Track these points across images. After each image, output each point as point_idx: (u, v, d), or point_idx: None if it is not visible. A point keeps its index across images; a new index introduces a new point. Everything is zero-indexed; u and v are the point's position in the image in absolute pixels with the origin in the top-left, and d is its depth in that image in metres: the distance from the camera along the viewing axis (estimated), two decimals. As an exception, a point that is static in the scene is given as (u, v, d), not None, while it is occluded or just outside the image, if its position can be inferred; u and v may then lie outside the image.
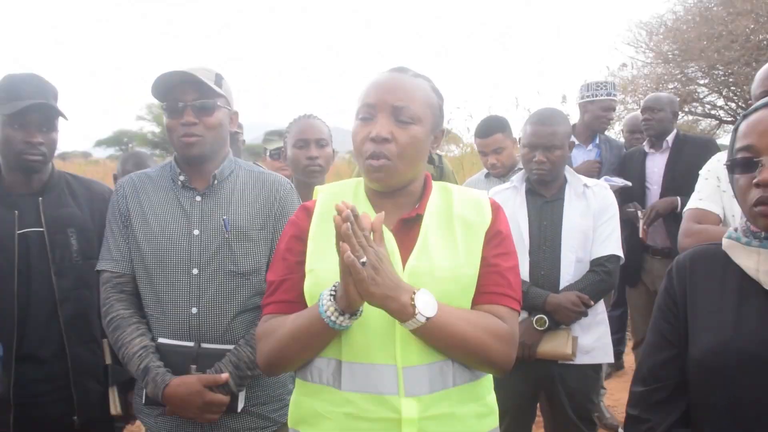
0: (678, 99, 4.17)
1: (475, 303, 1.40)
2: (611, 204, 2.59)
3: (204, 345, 1.86)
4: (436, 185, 1.51)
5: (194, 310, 1.86)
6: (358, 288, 1.20)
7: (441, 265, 1.36)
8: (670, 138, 3.87)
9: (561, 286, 2.51)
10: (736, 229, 1.31)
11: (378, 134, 1.34)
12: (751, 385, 1.18)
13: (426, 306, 1.26)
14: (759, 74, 2.23)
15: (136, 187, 1.97)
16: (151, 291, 1.89)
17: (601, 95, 4.07)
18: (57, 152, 2.24)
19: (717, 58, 9.00)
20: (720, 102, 10.67)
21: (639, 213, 3.72)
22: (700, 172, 2.36)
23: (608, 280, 2.51)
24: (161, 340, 1.87)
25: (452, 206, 1.46)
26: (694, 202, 2.28)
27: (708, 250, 1.36)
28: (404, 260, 1.37)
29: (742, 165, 1.25)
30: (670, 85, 10.74)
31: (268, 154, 3.63)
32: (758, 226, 1.23)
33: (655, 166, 3.88)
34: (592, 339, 2.55)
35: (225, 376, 1.80)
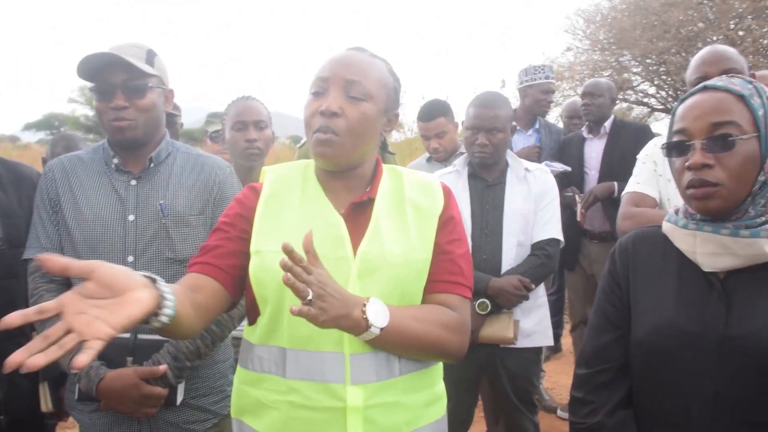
0: (615, 86, 4.24)
1: (428, 291, 1.39)
2: (552, 188, 2.62)
3: (141, 336, 1.78)
4: (386, 168, 1.48)
5: None
6: (311, 322, 1.16)
7: (393, 250, 1.34)
8: (607, 124, 3.95)
9: (502, 270, 2.53)
10: (676, 211, 1.34)
11: (328, 108, 1.30)
12: (691, 365, 1.21)
13: (377, 316, 1.24)
14: (693, 61, 2.29)
15: (66, 170, 1.86)
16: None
17: (540, 78, 4.13)
18: None
19: (650, 47, 9.29)
20: (652, 90, 11.05)
21: (577, 197, 3.80)
22: (638, 156, 2.41)
23: (549, 264, 2.55)
24: None
25: (403, 190, 1.44)
26: (632, 185, 2.33)
27: (649, 232, 1.39)
28: (355, 245, 1.34)
29: (676, 148, 1.27)
30: (605, 73, 11.02)
31: (208, 136, 3.52)
32: (692, 208, 1.27)
33: (593, 151, 3.96)
34: (532, 322, 2.58)
35: (163, 367, 1.73)
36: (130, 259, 1.78)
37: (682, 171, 1.26)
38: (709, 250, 1.23)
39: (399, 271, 1.33)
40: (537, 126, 4.16)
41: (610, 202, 3.67)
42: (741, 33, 8.88)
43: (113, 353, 1.74)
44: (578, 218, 3.75)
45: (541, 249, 2.54)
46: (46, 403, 2.08)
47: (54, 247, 1.81)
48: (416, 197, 1.43)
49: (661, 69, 10.27)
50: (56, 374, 2.10)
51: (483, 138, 2.55)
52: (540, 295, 2.64)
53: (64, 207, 1.81)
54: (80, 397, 1.76)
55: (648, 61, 10.21)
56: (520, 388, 2.60)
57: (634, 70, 10.81)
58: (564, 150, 4.09)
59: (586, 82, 4.28)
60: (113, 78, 1.76)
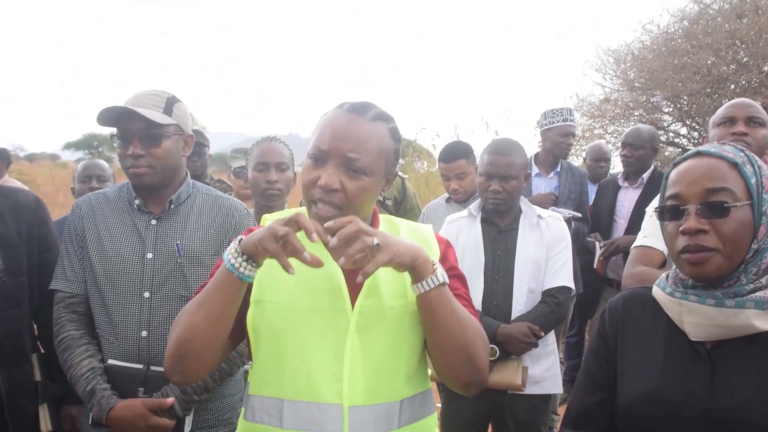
0: (657, 133, 4.20)
1: None
2: (564, 235, 2.65)
3: (153, 368, 1.86)
4: (382, 219, 1.51)
5: (144, 333, 1.87)
6: (386, 262, 1.22)
7: (391, 303, 1.36)
8: (646, 175, 3.92)
9: (512, 316, 2.55)
10: (667, 276, 1.35)
11: (326, 183, 1.31)
12: None
13: (443, 271, 1.30)
14: (721, 108, 2.33)
15: (93, 208, 1.97)
16: (103, 312, 1.90)
17: (558, 121, 4.16)
18: (24, 153, 2.19)
19: (681, 89, 9.24)
20: (684, 131, 10.93)
21: (597, 244, 3.79)
22: (646, 209, 2.41)
23: (559, 312, 2.56)
24: (111, 361, 1.87)
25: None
26: (640, 239, 2.31)
27: (640, 294, 1.40)
28: (353, 298, 1.36)
29: (670, 212, 1.29)
30: (636, 112, 10.96)
31: (232, 171, 3.63)
32: (685, 273, 1.28)
33: (626, 200, 3.94)
34: (541, 369, 2.59)
35: (170, 400, 1.80)
36: (146, 294, 1.88)
37: (675, 235, 1.27)
38: (695, 320, 1.24)
39: (397, 324, 1.36)
40: (558, 169, 4.18)
41: None
42: (773, 76, 8.81)
43: (126, 383, 1.85)
44: (595, 265, 3.74)
45: (551, 296, 2.56)
46: (45, 424, 2.14)
47: (78, 279, 1.93)
48: None
49: (692, 110, 10.18)
50: (56, 396, 2.17)
51: (497, 185, 2.60)
52: (550, 342, 2.65)
53: (89, 242, 1.93)
54: (93, 423, 1.84)
55: (679, 101, 10.14)
56: (528, 435, 2.60)
57: (666, 110, 10.73)
58: (598, 195, 4.07)
59: (627, 130, 4.22)
60: (131, 126, 1.86)
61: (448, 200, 3.67)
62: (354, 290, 1.36)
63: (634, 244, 2.34)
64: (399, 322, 1.36)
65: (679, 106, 10.48)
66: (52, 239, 2.21)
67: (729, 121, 2.24)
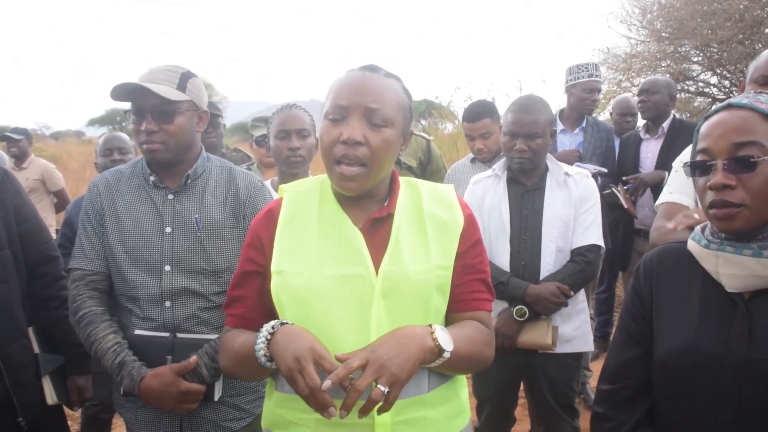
0: (675, 83, 4.12)
1: (461, 309, 1.44)
2: (593, 193, 2.59)
3: (179, 335, 1.89)
4: (403, 181, 1.49)
5: (168, 303, 1.89)
6: (402, 385, 1.23)
7: (415, 268, 1.35)
8: (665, 124, 3.85)
9: (541, 276, 2.52)
10: (702, 229, 1.32)
11: (351, 137, 1.29)
12: (712, 387, 1.20)
13: (446, 341, 1.29)
14: (758, 58, 2.11)
15: (110, 186, 1.98)
16: (126, 287, 1.91)
17: (583, 77, 4.06)
18: (50, 131, 2.15)
19: (711, 36, 8.93)
20: (714, 80, 10.60)
21: (616, 191, 3.71)
22: (673, 164, 2.32)
23: (589, 270, 2.52)
24: (138, 332, 1.89)
25: (421, 203, 1.45)
26: (665, 195, 2.23)
27: (674, 248, 1.37)
28: (375, 261, 1.35)
29: (699, 167, 1.26)
30: (663, 63, 10.66)
31: (254, 140, 3.61)
32: (715, 227, 1.25)
33: (649, 151, 3.87)
34: (572, 328, 2.56)
35: (193, 359, 1.83)
36: (167, 268, 1.89)
37: (704, 190, 1.24)
38: (732, 271, 1.22)
39: (422, 289, 1.35)
40: (584, 125, 4.08)
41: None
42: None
43: (154, 352, 1.87)
44: (626, 206, 3.66)
45: (580, 255, 2.52)
46: (51, 396, 2.16)
47: (98, 257, 1.94)
48: (436, 211, 1.44)
49: (723, 58, 9.86)
50: (58, 366, 2.20)
51: (522, 144, 2.54)
52: (580, 300, 2.61)
53: (107, 220, 1.94)
54: (124, 393, 1.87)
55: (708, 50, 9.82)
56: (561, 393, 2.59)
57: (694, 59, 10.41)
58: (621, 150, 4.01)
59: (644, 80, 4.17)
60: (144, 102, 1.85)
61: (473, 161, 3.61)
62: (375, 254, 1.36)
63: (659, 200, 2.27)
64: (424, 285, 1.35)
65: (708, 54, 10.16)
66: (27, 209, 2.20)
67: (766, 81, 2.05)
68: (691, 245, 1.31)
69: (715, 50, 9.81)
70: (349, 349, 1.28)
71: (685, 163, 1.30)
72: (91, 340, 1.87)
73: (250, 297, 1.45)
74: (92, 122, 34.27)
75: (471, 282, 1.44)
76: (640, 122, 4.59)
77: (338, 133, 1.32)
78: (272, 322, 1.30)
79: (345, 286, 1.33)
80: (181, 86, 1.90)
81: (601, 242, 2.55)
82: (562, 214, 2.54)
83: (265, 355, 1.28)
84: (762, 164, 1.17)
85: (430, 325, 1.30)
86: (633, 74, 10.71)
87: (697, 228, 1.33)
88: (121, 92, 1.86)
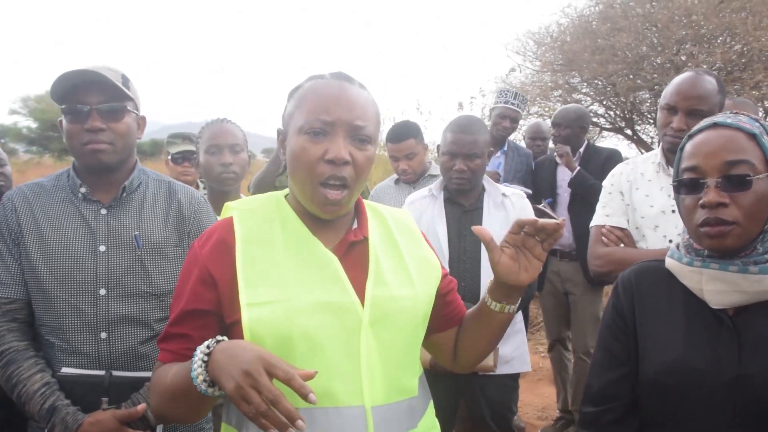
0: (586, 111, 4.28)
1: (451, 326, 1.45)
2: (529, 214, 2.62)
3: (116, 373, 1.67)
4: (366, 205, 1.41)
5: (104, 335, 1.67)
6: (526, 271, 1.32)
7: (401, 293, 1.28)
8: (581, 149, 3.99)
9: (481, 297, 2.50)
10: (678, 247, 1.33)
11: (340, 156, 1.19)
12: (705, 404, 1.21)
13: None
14: (671, 84, 2.20)
15: (29, 199, 1.74)
16: (51, 316, 1.68)
17: (500, 103, 4.20)
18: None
19: (600, 70, 9.53)
20: (601, 110, 11.33)
21: (543, 206, 3.81)
22: (603, 184, 2.37)
23: (529, 291, 2.54)
24: (65, 370, 1.66)
25: (390, 229, 1.38)
26: (601, 217, 2.28)
27: (651, 267, 1.38)
28: (356, 286, 1.24)
29: (688, 185, 1.27)
30: (555, 93, 11.28)
31: (170, 157, 3.39)
32: (703, 246, 1.26)
33: (566, 175, 4.00)
34: (510, 349, 2.57)
35: (141, 407, 1.63)
36: (102, 292, 1.69)
37: (693, 208, 1.25)
38: (717, 288, 1.23)
39: (408, 315, 1.27)
40: (505, 149, 4.19)
41: (577, 219, 3.70)
42: (683, 58, 9.23)
43: (86, 393, 1.65)
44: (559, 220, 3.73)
45: (520, 275, 2.53)
46: None
47: (15, 282, 1.70)
48: (402, 240, 1.38)
49: (608, 89, 10.56)
50: None
51: (461, 164, 2.53)
52: (517, 321, 2.62)
53: (27, 239, 1.70)
54: None
55: (596, 82, 10.49)
56: (499, 414, 2.58)
57: (583, 90, 11.08)
58: (537, 173, 4.12)
59: (555, 111, 4.29)
60: (88, 98, 1.67)
61: (396, 182, 3.59)
62: (354, 280, 1.25)
63: (594, 222, 2.29)
64: (409, 311, 1.28)
65: (595, 86, 10.85)
66: None
67: (671, 109, 2.15)
68: (671, 263, 1.32)
69: (603, 83, 10.49)
70: (340, 383, 1.17)
71: (672, 182, 1.31)
72: (14, 381, 1.62)
73: (192, 336, 1.23)
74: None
75: (450, 295, 1.45)
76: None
77: (322, 150, 1.20)
78: (206, 342, 1.10)
79: (328, 316, 1.20)
80: (125, 85, 1.74)
81: (538, 262, 2.58)
82: (500, 235, 2.51)
83: (204, 381, 1.06)
84: (755, 182, 1.20)
85: None
86: (529, 102, 11.25)
87: (673, 246, 1.35)
88: (61, 87, 1.66)
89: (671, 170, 2.16)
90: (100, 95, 1.67)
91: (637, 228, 2.20)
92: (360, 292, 1.24)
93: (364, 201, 1.42)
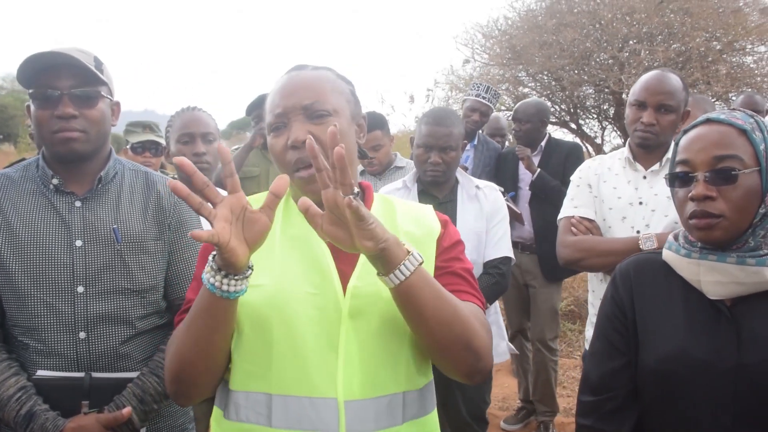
0: (546, 104, 4.35)
1: None
2: (502, 206, 2.66)
3: (96, 374, 1.60)
4: (377, 197, 1.39)
5: (82, 334, 1.59)
6: (357, 218, 1.03)
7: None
8: (543, 143, 4.05)
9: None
10: (675, 238, 1.37)
11: (296, 138, 1.21)
12: (706, 392, 1.24)
13: (415, 251, 1.11)
14: (638, 82, 2.30)
15: None
16: (25, 315, 1.59)
17: (471, 96, 4.22)
18: None
19: (547, 64, 9.73)
20: (547, 104, 11.57)
21: (506, 199, 3.86)
22: (571, 178, 2.43)
23: (502, 282, 2.57)
24: (41, 372, 1.57)
25: (396, 220, 1.34)
26: (569, 209, 2.34)
27: (648, 258, 1.42)
28: (344, 279, 1.23)
29: (680, 179, 1.31)
30: (503, 86, 11.44)
31: (130, 147, 3.26)
32: (693, 237, 1.31)
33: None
34: (485, 339, 2.59)
35: (126, 411, 1.56)
36: (80, 289, 1.60)
37: (684, 201, 1.30)
38: (715, 279, 1.27)
39: (393, 308, 1.19)
40: (475, 142, 4.21)
41: (540, 215, 3.77)
42: (626, 54, 9.53)
43: (65, 397, 1.57)
44: (518, 212, 3.78)
45: (494, 267, 2.56)
46: None
47: None
48: (411, 229, 1.33)
49: (554, 84, 10.79)
50: None
51: (436, 156, 2.54)
52: (492, 313, 2.66)
53: None
54: None
55: (542, 77, 10.70)
56: (474, 405, 2.61)
57: (530, 84, 11.28)
58: (499, 166, 4.16)
59: (516, 105, 4.34)
60: (59, 82, 1.57)
61: (362, 172, 3.58)
62: (345, 268, 1.24)
63: (562, 214, 2.36)
64: (393, 305, 1.19)
65: (540, 80, 11.06)
66: None
67: (640, 105, 2.24)
68: (668, 255, 1.36)
69: (547, 78, 10.71)
70: (315, 373, 1.17)
71: (666, 175, 1.35)
72: None
73: None
74: None
75: (445, 277, 1.28)
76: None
77: (284, 140, 1.25)
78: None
79: (310, 304, 1.20)
80: (98, 68, 1.64)
81: (511, 254, 2.62)
82: (474, 227, 2.57)
83: (216, 273, 1.08)
84: (741, 177, 1.25)
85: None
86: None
87: (670, 237, 1.38)
88: (30, 69, 1.56)
89: (638, 165, 2.26)
90: (71, 79, 1.57)
91: (604, 219, 2.28)
92: (346, 283, 1.23)
93: (380, 195, 1.41)
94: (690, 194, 1.27)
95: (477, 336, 1.19)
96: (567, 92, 10.15)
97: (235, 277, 1.09)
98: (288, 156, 1.24)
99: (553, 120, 11.73)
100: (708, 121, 1.31)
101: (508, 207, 3.80)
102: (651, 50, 9.14)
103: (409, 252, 1.10)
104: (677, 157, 1.33)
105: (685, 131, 1.34)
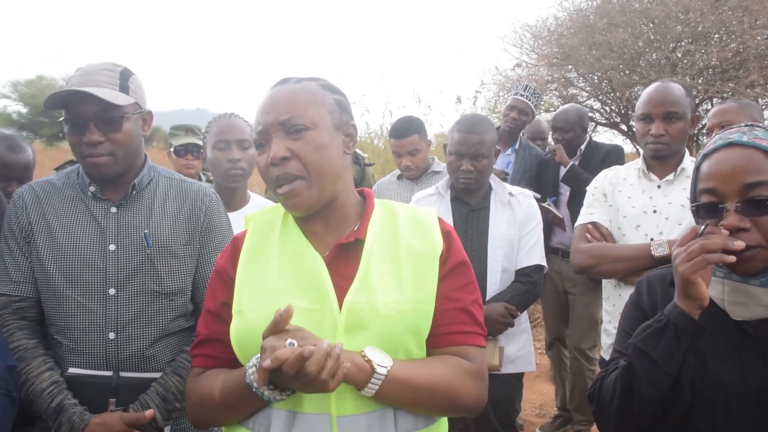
0: (585, 111, 4.28)
1: (438, 344, 1.27)
2: (536, 213, 2.63)
3: (123, 374, 1.66)
4: (378, 204, 1.37)
5: (112, 335, 1.66)
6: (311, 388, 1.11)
7: (385, 300, 1.21)
8: (583, 147, 4.00)
9: (487, 296, 2.51)
10: None
11: (274, 155, 1.23)
12: (726, 412, 1.22)
13: (380, 357, 1.16)
14: (642, 95, 2.31)
15: (39, 198, 1.73)
16: (60, 315, 1.67)
17: (512, 95, 4.18)
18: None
19: (596, 65, 9.53)
20: (597, 105, 11.33)
21: (548, 204, 3.81)
22: (588, 188, 2.46)
23: (534, 291, 2.55)
24: (73, 370, 1.65)
25: (398, 230, 1.31)
26: (586, 216, 2.37)
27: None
28: (341, 294, 1.21)
29: (707, 209, 1.26)
30: (551, 87, 11.26)
31: (173, 149, 3.36)
32: (729, 270, 1.25)
33: None
34: (516, 348, 2.58)
35: (149, 413, 1.62)
36: (112, 291, 1.68)
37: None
38: (739, 300, 1.24)
39: (390, 324, 1.20)
40: (516, 147, 4.16)
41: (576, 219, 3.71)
42: (679, 55, 9.26)
43: (94, 394, 1.64)
44: (560, 216, 3.74)
45: (526, 276, 2.54)
46: None
47: (26, 280, 1.69)
48: (412, 241, 1.29)
49: (604, 85, 10.57)
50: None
51: (468, 164, 2.53)
52: (523, 320, 2.63)
53: (37, 237, 1.69)
54: None
55: (593, 77, 10.48)
56: (503, 412, 2.59)
57: (580, 85, 11.08)
58: (540, 171, 4.11)
59: (555, 113, 4.27)
60: (84, 110, 1.63)
61: (399, 177, 3.58)
62: (342, 285, 1.23)
63: (578, 222, 2.40)
64: (394, 321, 1.21)
65: (591, 81, 10.85)
66: None
67: (647, 118, 2.25)
68: None
69: (599, 78, 10.49)
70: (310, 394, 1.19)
71: (691, 206, 1.31)
72: (22, 379, 1.61)
73: (223, 337, 1.28)
74: None
75: (449, 312, 1.27)
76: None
77: (266, 157, 1.27)
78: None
79: (305, 320, 1.19)
80: (123, 87, 1.69)
81: (544, 262, 2.59)
82: (507, 234, 2.56)
83: (266, 389, 1.15)
84: None
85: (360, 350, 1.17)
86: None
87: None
88: (55, 100, 1.62)
89: (652, 175, 2.27)
90: (95, 104, 1.62)
91: (618, 228, 2.31)
92: (343, 297, 1.22)
93: (381, 201, 1.40)
94: (721, 224, 1.21)
95: (459, 395, 1.24)
96: (617, 93, 9.93)
97: (283, 392, 1.16)
98: (270, 173, 1.27)
99: (603, 121, 11.51)
100: (730, 144, 1.25)
101: (550, 212, 3.77)
102: (705, 50, 8.86)
103: (373, 370, 1.15)
104: (700, 185, 1.27)
105: (705, 156, 1.28)
